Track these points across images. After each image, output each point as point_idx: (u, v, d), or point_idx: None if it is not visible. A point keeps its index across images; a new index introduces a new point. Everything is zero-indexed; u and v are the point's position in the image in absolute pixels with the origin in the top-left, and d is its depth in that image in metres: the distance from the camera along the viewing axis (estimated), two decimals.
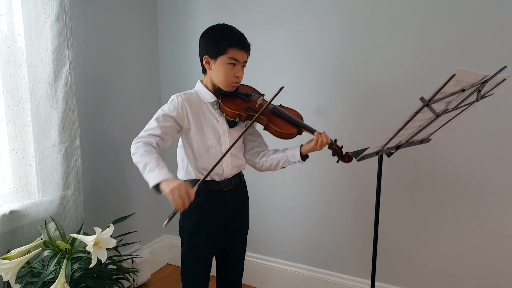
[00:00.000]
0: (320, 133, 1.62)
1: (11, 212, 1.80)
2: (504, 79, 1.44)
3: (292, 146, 1.73)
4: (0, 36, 1.76)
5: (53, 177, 1.97)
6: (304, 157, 1.69)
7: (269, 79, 2.30)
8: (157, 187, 1.43)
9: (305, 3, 2.23)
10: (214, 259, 1.89)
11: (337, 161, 1.69)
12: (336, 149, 1.66)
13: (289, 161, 1.72)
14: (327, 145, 1.64)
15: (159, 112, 1.62)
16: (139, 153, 1.50)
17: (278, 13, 2.30)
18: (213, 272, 1.85)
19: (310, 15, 2.22)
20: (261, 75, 2.26)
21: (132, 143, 1.54)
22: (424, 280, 2.18)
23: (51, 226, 1.83)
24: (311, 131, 1.66)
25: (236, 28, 1.68)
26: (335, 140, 1.67)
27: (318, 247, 2.44)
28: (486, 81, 1.32)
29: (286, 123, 1.69)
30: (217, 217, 1.75)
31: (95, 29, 2.28)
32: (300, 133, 1.70)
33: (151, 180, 1.44)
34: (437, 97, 1.22)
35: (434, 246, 2.13)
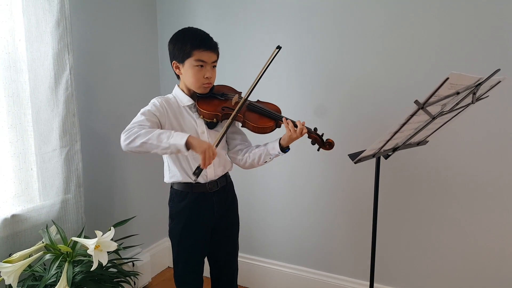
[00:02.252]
0: (289, 119, 1.61)
1: (13, 216, 1.82)
2: (499, 81, 1.46)
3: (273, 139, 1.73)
4: (1, 42, 1.78)
5: (54, 181, 1.99)
6: (284, 148, 1.68)
7: (268, 80, 2.31)
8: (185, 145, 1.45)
9: (303, 6, 2.24)
10: (207, 261, 1.90)
11: (318, 149, 1.68)
12: (315, 137, 1.65)
13: (270, 153, 1.72)
14: (307, 135, 1.63)
15: (144, 109, 1.62)
16: (142, 133, 1.47)
17: (277, 15, 2.32)
18: (208, 274, 1.86)
19: (308, 17, 2.23)
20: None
21: (122, 134, 1.51)
22: (423, 282, 2.19)
23: (53, 229, 1.84)
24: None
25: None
26: (315, 129, 1.66)
27: (315, 248, 2.45)
28: (480, 84, 1.33)
29: (263, 117, 1.68)
30: (204, 219, 1.76)
31: (95, 34, 2.30)
32: (278, 126, 1.69)
33: (179, 140, 1.44)
34: (431, 100, 1.24)
35: (432, 247, 2.14)
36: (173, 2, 2.65)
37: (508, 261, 1.99)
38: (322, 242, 2.43)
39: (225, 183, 1.81)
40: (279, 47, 1.59)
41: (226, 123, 1.66)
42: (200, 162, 1.48)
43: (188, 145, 1.46)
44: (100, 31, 2.33)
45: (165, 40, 2.71)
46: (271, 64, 1.59)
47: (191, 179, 1.67)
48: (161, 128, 1.65)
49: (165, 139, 1.46)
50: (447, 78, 1.14)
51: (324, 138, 1.67)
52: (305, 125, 1.62)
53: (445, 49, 1.96)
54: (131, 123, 1.57)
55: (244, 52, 2.38)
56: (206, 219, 1.76)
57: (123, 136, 1.51)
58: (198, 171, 1.51)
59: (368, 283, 1.80)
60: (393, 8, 2.04)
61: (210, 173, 1.72)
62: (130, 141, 1.48)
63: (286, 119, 1.63)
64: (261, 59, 2.34)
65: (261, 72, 1.60)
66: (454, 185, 2.05)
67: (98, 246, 1.61)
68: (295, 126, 1.61)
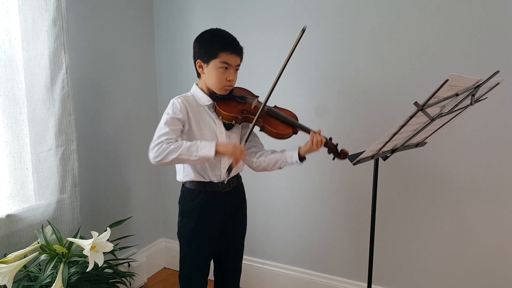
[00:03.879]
0: (315, 133, 1.65)
1: (8, 216, 1.80)
2: (498, 83, 1.46)
3: (287, 146, 1.75)
4: None
5: (49, 180, 1.97)
6: (302, 158, 1.71)
7: (267, 81, 2.30)
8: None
9: (302, 5, 2.24)
10: (212, 262, 1.89)
11: (333, 159, 1.72)
12: (331, 147, 1.69)
13: (287, 162, 1.74)
14: (323, 144, 1.67)
15: (166, 117, 1.63)
16: (172, 150, 1.53)
17: (275, 15, 2.31)
18: (210, 276, 1.86)
19: (307, 17, 2.23)
20: (259, 77, 2.27)
21: (151, 149, 1.56)
22: (421, 283, 2.19)
23: (48, 230, 1.82)
24: (307, 130, 1.69)
25: (229, 32, 1.70)
26: (330, 138, 1.70)
27: (314, 250, 2.45)
28: (479, 86, 1.33)
29: (282, 123, 1.71)
30: (215, 218, 1.77)
31: (92, 33, 2.28)
32: (295, 133, 1.72)
33: (208, 152, 1.54)
34: (431, 101, 1.24)
35: (430, 248, 2.14)
36: (170, 1, 2.64)
37: (508, 262, 1.99)
38: (321, 244, 2.42)
39: (236, 184, 1.82)
40: (303, 30, 1.65)
41: (243, 125, 1.73)
42: (231, 162, 1.59)
43: (217, 153, 1.54)
44: (96, 30, 2.31)
45: (161, 39, 2.72)
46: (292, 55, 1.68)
47: (206, 178, 1.72)
48: (186, 128, 1.67)
49: (195, 152, 1.54)
50: (447, 80, 1.14)
51: (338, 148, 1.71)
52: (320, 133, 1.67)
53: (445, 50, 1.96)
54: (157, 135, 1.59)
55: (244, 51, 2.37)
56: (216, 218, 1.77)
57: (152, 153, 1.55)
58: (229, 170, 1.60)
59: (366, 284, 1.80)
60: (394, 9, 2.04)
61: (223, 174, 1.73)
62: (162, 158, 1.54)
63: (314, 132, 1.66)
64: (260, 59, 2.35)
65: (282, 67, 1.67)
66: (452, 186, 2.05)
67: (94, 247, 1.60)
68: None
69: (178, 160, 1.55)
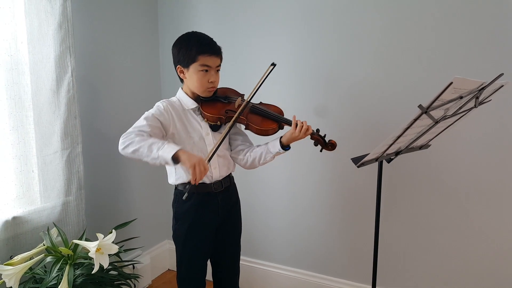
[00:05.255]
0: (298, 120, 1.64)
1: (14, 218, 1.81)
2: (502, 86, 1.46)
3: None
4: (4, 44, 1.77)
5: (55, 183, 1.98)
6: (284, 146, 1.69)
7: (267, 82, 2.31)
8: (173, 159, 1.44)
9: (304, 7, 2.25)
10: (209, 263, 1.90)
11: (321, 150, 1.71)
12: (317, 138, 1.69)
13: (271, 151, 1.73)
14: (310, 136, 1.67)
15: (147, 113, 1.64)
16: (136, 141, 1.49)
17: (278, 16, 2.32)
18: (209, 277, 1.86)
19: (309, 18, 2.23)
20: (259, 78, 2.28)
21: (121, 137, 1.53)
22: (425, 285, 2.19)
23: (54, 232, 1.84)
24: (291, 124, 1.67)
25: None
26: (317, 130, 1.70)
27: (316, 251, 2.45)
28: (483, 88, 1.33)
29: (266, 119, 1.71)
30: (209, 219, 1.77)
31: (97, 37, 2.30)
32: (281, 127, 1.72)
33: (167, 153, 1.43)
34: (435, 104, 1.24)
35: (435, 250, 2.14)
36: (174, 5, 2.65)
37: (510, 265, 1.99)
38: (323, 245, 2.42)
39: (229, 184, 1.82)
40: (273, 64, 1.64)
41: (236, 125, 1.69)
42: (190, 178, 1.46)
43: (177, 159, 1.44)
44: (101, 34, 2.33)
45: (166, 43, 2.73)
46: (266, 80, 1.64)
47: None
48: (165, 133, 1.66)
49: (155, 149, 1.46)
50: (451, 83, 1.15)
51: (327, 139, 1.70)
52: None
53: (449, 52, 1.96)
54: (132, 127, 1.58)
55: (244, 54, 2.38)
56: (211, 219, 1.77)
57: (120, 140, 1.53)
58: (188, 188, 1.50)
59: (370, 286, 1.80)
60: (394, 11, 2.04)
61: (215, 174, 1.73)
62: (125, 147, 1.51)
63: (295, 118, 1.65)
64: (261, 61, 2.35)
65: (261, 79, 1.64)
66: (456, 188, 2.05)
67: (100, 249, 1.61)
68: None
69: (138, 154, 1.48)
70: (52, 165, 1.96)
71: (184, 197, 1.57)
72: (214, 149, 1.57)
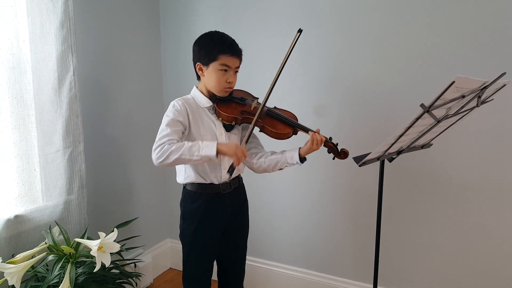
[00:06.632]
0: (314, 132, 1.66)
1: (16, 216, 1.82)
2: (504, 85, 1.46)
3: (288, 146, 1.76)
4: (6, 43, 1.78)
5: (57, 182, 1.99)
6: (302, 159, 1.71)
7: (269, 82, 2.31)
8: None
9: (306, 7, 2.24)
10: (215, 263, 1.90)
11: (333, 158, 1.72)
12: (331, 146, 1.70)
13: (288, 162, 1.74)
14: (323, 144, 1.67)
15: (166, 119, 1.64)
16: (173, 150, 1.54)
17: (279, 17, 2.32)
18: (214, 277, 1.86)
19: (310, 19, 2.23)
20: (263, 79, 2.27)
21: (153, 150, 1.57)
22: (427, 284, 2.18)
23: (55, 230, 1.84)
24: (306, 130, 1.70)
25: (234, 34, 1.71)
26: (330, 138, 1.71)
27: (319, 251, 2.45)
28: (486, 87, 1.33)
29: (281, 124, 1.73)
30: (217, 220, 1.77)
31: (99, 35, 2.30)
32: (295, 133, 1.73)
33: (210, 152, 1.54)
34: (437, 103, 1.23)
35: (436, 250, 2.13)
36: (176, 4, 2.65)
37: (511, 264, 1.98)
38: (326, 245, 2.42)
39: (237, 185, 1.83)
40: (300, 31, 1.63)
41: (243, 127, 1.73)
42: (233, 161, 1.57)
43: (218, 153, 1.54)
44: (103, 33, 2.33)
45: (168, 42, 2.73)
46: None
47: (206, 180, 1.72)
48: (184, 131, 1.68)
49: (196, 152, 1.54)
50: (453, 82, 1.14)
51: (339, 147, 1.71)
52: (319, 132, 1.67)
53: (451, 51, 1.95)
54: (159, 136, 1.60)
55: (246, 54, 2.37)
56: (218, 220, 1.78)
57: (155, 154, 1.56)
58: (231, 170, 1.59)
59: (372, 285, 1.80)
60: (396, 11, 2.04)
61: (224, 175, 1.73)
62: (164, 159, 1.54)
63: (314, 132, 1.66)
64: (263, 61, 2.36)
65: (290, 48, 1.64)
66: (458, 188, 2.05)
67: (101, 247, 1.61)
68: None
69: (180, 161, 1.55)
70: (54, 163, 1.97)
71: (228, 178, 1.69)
72: (246, 138, 1.64)
